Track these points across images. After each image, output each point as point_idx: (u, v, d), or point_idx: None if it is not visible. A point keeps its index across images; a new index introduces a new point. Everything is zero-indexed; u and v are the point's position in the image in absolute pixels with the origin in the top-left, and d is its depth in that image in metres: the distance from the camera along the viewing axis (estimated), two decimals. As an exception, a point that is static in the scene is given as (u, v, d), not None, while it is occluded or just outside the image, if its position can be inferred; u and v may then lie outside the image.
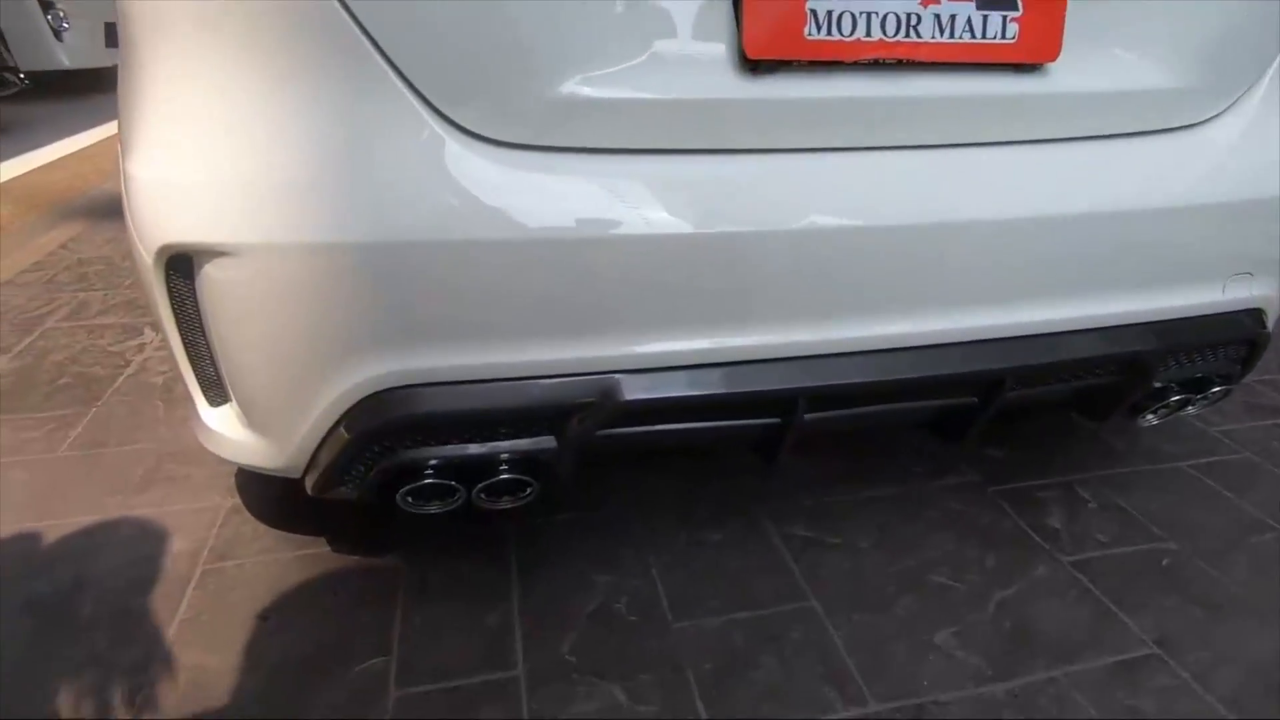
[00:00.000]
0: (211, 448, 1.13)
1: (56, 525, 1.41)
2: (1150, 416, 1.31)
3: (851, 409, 1.07)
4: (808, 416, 1.02)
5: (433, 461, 1.00)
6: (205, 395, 1.10)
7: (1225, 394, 1.31)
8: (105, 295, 2.43)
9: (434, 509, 1.06)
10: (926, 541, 1.39)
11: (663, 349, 0.95)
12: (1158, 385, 1.23)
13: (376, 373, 0.93)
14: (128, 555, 1.34)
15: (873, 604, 1.25)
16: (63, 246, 2.87)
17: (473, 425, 0.98)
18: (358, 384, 0.93)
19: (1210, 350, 1.22)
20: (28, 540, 1.38)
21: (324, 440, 0.99)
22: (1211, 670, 1.13)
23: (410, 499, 1.04)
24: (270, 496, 1.49)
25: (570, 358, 0.93)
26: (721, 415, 1.03)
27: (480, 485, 1.01)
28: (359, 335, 0.91)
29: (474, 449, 0.99)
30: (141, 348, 2.08)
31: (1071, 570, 1.33)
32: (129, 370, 1.97)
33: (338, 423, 0.96)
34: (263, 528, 1.41)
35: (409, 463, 0.99)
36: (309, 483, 1.05)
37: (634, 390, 0.93)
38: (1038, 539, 1.40)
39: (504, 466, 1.01)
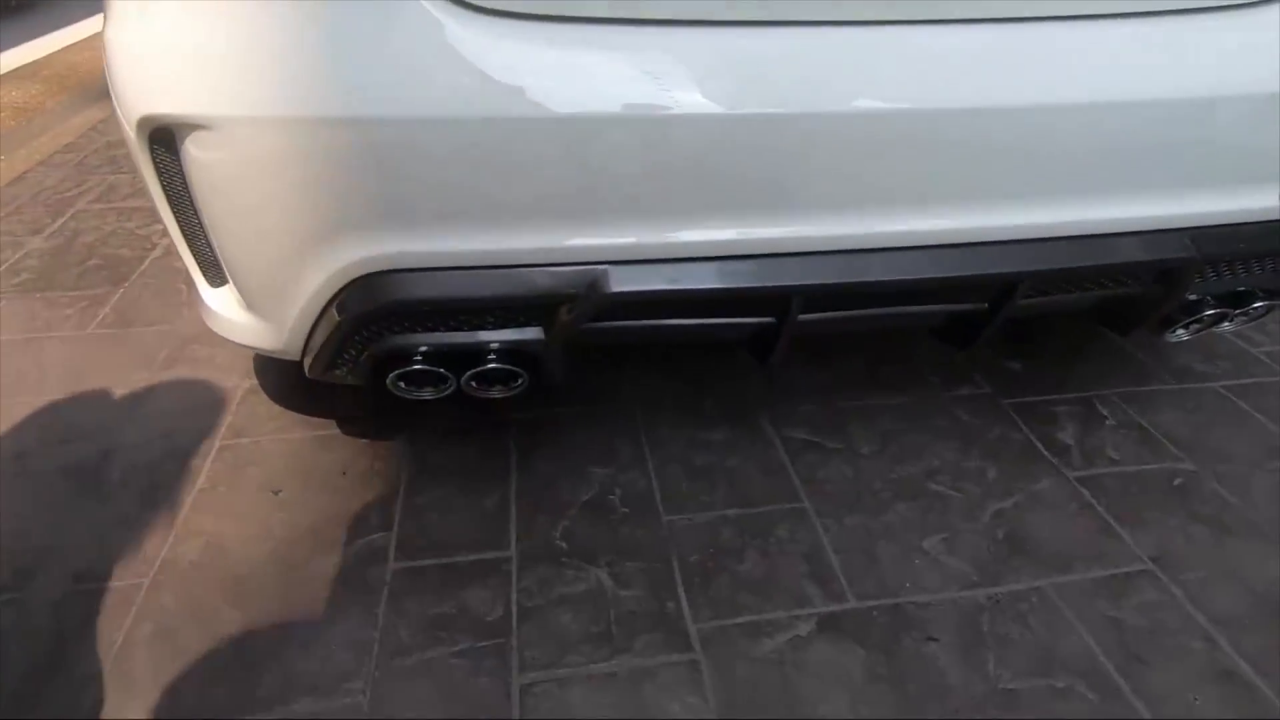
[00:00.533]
0: (214, 328, 1.15)
1: (89, 398, 1.48)
2: (1181, 331, 1.23)
3: (850, 310, 1.02)
4: (802, 317, 0.99)
5: (422, 348, 1.00)
6: (205, 276, 1.11)
7: (1268, 310, 1.22)
8: (134, 179, 2.45)
9: (427, 395, 1.08)
10: (930, 450, 1.37)
11: (653, 240, 0.91)
12: (1192, 298, 1.15)
13: (365, 255, 0.91)
14: (153, 429, 1.41)
15: (866, 508, 1.25)
16: (93, 128, 2.88)
17: (460, 313, 0.97)
18: (346, 266, 0.92)
19: (1256, 262, 1.12)
20: (64, 410, 1.45)
21: (317, 323, 0.99)
22: (1206, 589, 1.12)
23: (403, 384, 1.05)
24: (287, 378, 1.54)
25: (557, 246, 0.91)
26: (713, 312, 1.00)
27: (469, 373, 1.01)
28: (344, 216, 0.89)
29: (462, 337, 0.99)
30: (167, 232, 2.11)
31: (1076, 485, 1.30)
32: (155, 253, 2.01)
33: (328, 305, 0.96)
34: (278, 408, 1.46)
35: (399, 348, 1.00)
36: (306, 365, 1.07)
37: (621, 282, 0.91)
38: (1046, 453, 1.37)
39: (492, 356, 1.01)
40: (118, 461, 1.33)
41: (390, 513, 1.23)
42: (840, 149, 0.89)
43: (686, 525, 1.21)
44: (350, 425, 1.42)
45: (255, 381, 1.53)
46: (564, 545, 1.17)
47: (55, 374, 1.55)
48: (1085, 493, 1.29)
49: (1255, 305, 1.17)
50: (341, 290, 0.95)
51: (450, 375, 1.02)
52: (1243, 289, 1.17)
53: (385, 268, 0.92)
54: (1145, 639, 1.04)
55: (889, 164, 0.90)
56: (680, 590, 1.10)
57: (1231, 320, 1.24)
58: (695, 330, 1.03)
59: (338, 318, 0.96)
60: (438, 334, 0.99)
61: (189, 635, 1.04)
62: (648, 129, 0.86)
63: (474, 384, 1.06)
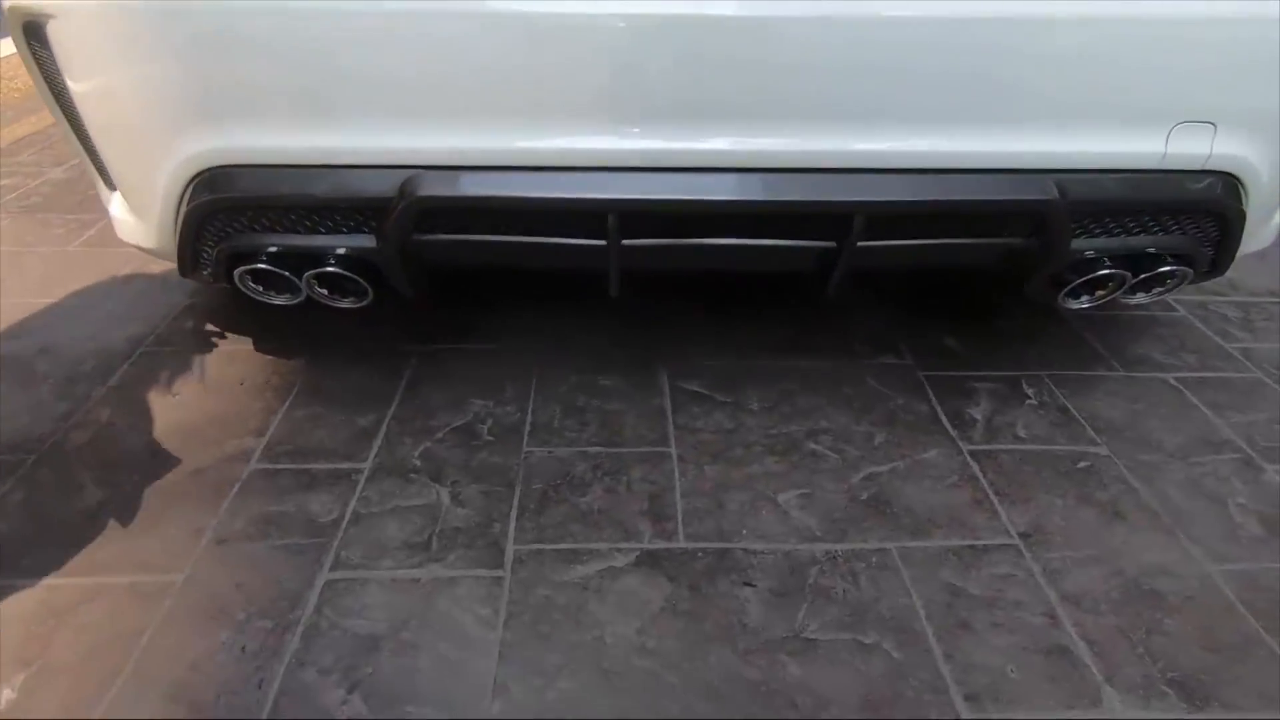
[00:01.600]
0: (118, 233, 1.22)
1: (46, 302, 1.61)
2: (1085, 299, 1.14)
3: (681, 239, 0.99)
4: (626, 243, 0.96)
5: (269, 248, 1.04)
6: (103, 180, 1.18)
7: (1182, 279, 1.11)
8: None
9: (281, 301, 1.12)
10: (823, 413, 1.32)
11: (470, 146, 0.92)
12: (1088, 255, 1.06)
13: (201, 149, 0.96)
14: (89, 332, 1.51)
15: (732, 459, 1.21)
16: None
17: (294, 213, 1.00)
18: (187, 159, 0.97)
19: (1156, 220, 1.03)
20: (21, 311, 1.58)
21: (175, 218, 1.05)
22: (1069, 569, 1.03)
23: (254, 284, 1.09)
24: (222, 298, 1.62)
25: (376, 147, 0.92)
26: (541, 229, 1.00)
27: (311, 274, 1.04)
28: (179, 108, 0.94)
29: (299, 239, 1.02)
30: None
31: (967, 458, 1.23)
32: (149, 186, 2.14)
33: (180, 199, 1.01)
34: (206, 324, 1.54)
35: (245, 246, 1.04)
36: (178, 265, 1.12)
37: (434, 186, 0.91)
38: (947, 425, 1.30)
39: (332, 261, 1.04)
40: (49, 357, 1.43)
41: (269, 422, 1.28)
42: (661, 59, 0.87)
43: (544, 457, 1.21)
44: (265, 344, 1.48)
45: (195, 300, 1.62)
46: (418, 464, 1.19)
47: (29, 281, 1.68)
48: (975, 466, 1.21)
49: (1163, 270, 1.07)
50: (188, 185, 0.99)
51: (293, 277, 1.05)
52: (1152, 251, 1.07)
53: (220, 163, 0.96)
54: (980, 609, 0.97)
55: (709, 76, 0.87)
56: (513, 514, 1.10)
57: (1147, 290, 1.14)
58: (528, 250, 1.02)
59: (187, 210, 1.01)
60: (279, 234, 1.02)
61: (52, 505, 1.11)
62: (453, 25, 0.86)
63: (323, 291, 1.09)
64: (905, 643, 0.93)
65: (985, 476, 1.19)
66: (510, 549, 1.05)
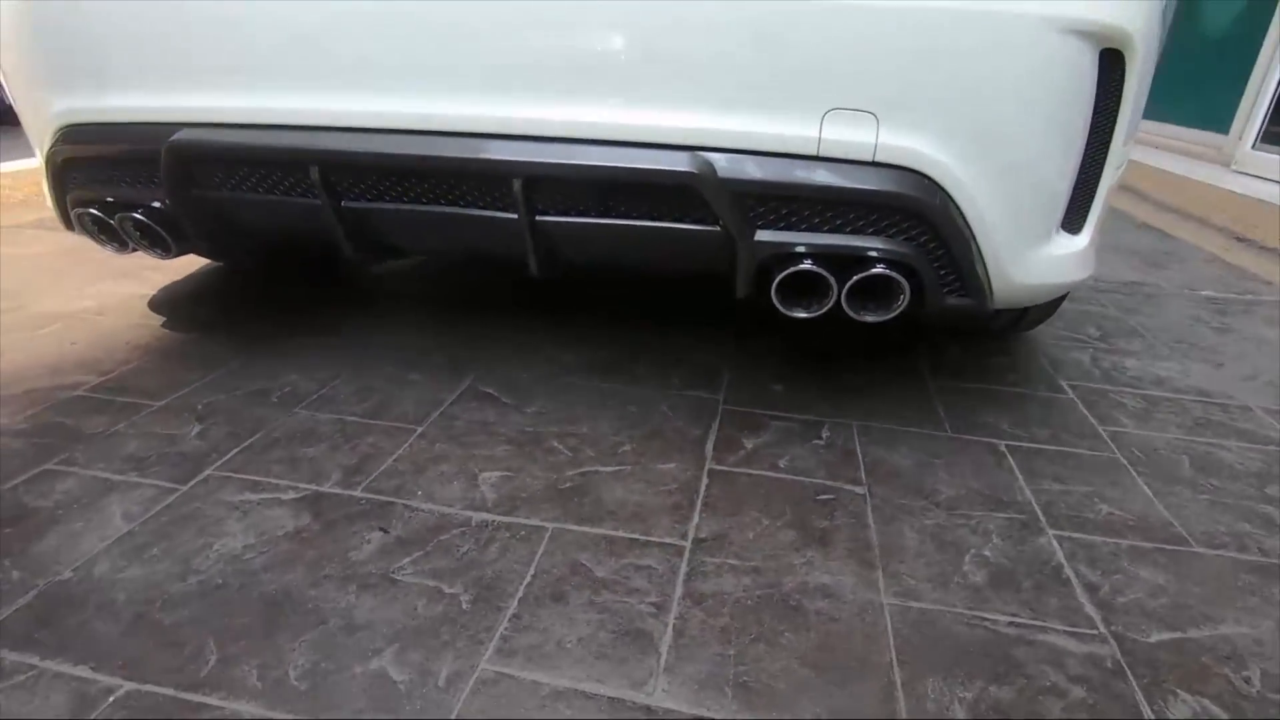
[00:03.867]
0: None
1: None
2: (814, 306, 1.09)
3: (391, 204, 1.10)
4: (346, 205, 1.09)
5: (107, 198, 1.27)
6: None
7: (907, 296, 1.04)
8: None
9: (114, 249, 1.34)
10: (589, 421, 1.31)
11: (214, 105, 1.10)
12: (798, 248, 1.03)
13: (58, 108, 1.22)
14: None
15: (470, 443, 1.23)
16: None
17: (107, 165, 1.22)
18: (49, 118, 1.23)
19: (842, 215, 1.00)
20: None
21: (47, 177, 1.31)
22: (718, 574, 0.93)
23: (100, 234, 1.32)
24: (170, 291, 1.91)
25: (144, 106, 1.13)
26: (275, 187, 1.15)
27: (120, 216, 1.24)
28: (41, 72, 1.21)
29: (112, 192, 1.24)
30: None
31: (703, 474, 1.16)
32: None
33: (47, 159, 1.28)
34: (140, 304, 1.82)
35: (84, 197, 1.27)
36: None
37: (183, 136, 1.10)
38: (709, 448, 1.24)
39: (140, 212, 1.24)
40: None
41: (119, 368, 1.47)
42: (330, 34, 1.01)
43: (305, 418, 1.29)
44: (177, 322, 1.72)
45: (147, 290, 1.92)
46: (199, 409, 1.32)
47: None
48: (705, 481, 1.14)
49: (875, 275, 1.02)
50: (51, 144, 1.26)
51: (111, 220, 1.26)
52: (870, 251, 1.02)
53: (70, 122, 1.22)
54: (588, 588, 0.90)
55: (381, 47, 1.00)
56: (235, 450, 1.18)
57: (885, 307, 1.08)
58: (266, 209, 1.17)
59: (49, 168, 1.27)
60: (101, 186, 1.25)
61: (-87, 398, 1.34)
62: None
63: (143, 240, 1.29)
64: (483, 599, 0.88)
65: (708, 490, 1.12)
66: (207, 472, 1.12)
